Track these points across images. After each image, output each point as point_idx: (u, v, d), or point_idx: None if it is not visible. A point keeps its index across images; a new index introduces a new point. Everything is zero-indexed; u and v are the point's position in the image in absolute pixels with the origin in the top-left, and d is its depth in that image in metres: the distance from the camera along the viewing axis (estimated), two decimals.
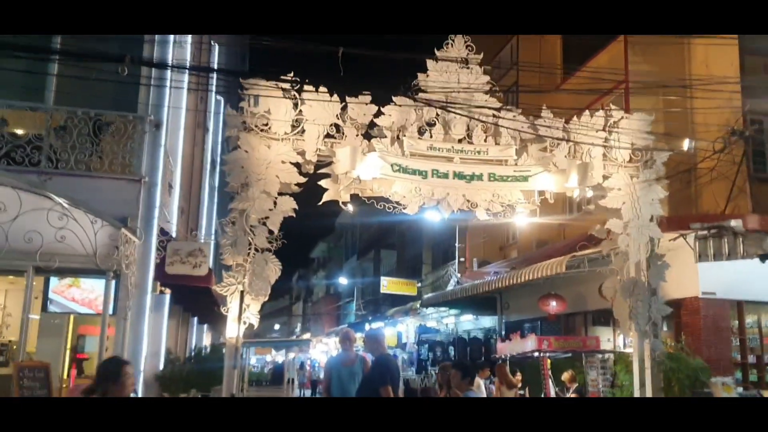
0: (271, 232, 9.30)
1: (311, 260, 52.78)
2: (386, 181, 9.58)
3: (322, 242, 47.03)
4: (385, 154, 9.42)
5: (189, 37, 11.51)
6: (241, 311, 8.79)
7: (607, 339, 14.27)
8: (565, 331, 15.20)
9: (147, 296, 8.61)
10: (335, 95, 9.49)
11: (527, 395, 11.88)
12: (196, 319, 17.44)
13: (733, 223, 9.81)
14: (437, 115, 9.82)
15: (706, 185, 10.70)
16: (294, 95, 9.38)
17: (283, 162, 9.28)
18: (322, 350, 37.92)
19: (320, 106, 9.41)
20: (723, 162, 10.20)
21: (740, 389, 10.25)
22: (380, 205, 9.80)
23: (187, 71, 10.03)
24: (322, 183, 9.81)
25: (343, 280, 36.44)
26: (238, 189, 9.16)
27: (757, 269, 10.51)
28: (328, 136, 9.45)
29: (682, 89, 10.29)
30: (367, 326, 28.22)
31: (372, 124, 9.66)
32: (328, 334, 36.24)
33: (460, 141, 9.84)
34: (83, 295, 8.59)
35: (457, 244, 20.32)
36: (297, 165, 9.52)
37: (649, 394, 9.55)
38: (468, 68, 9.87)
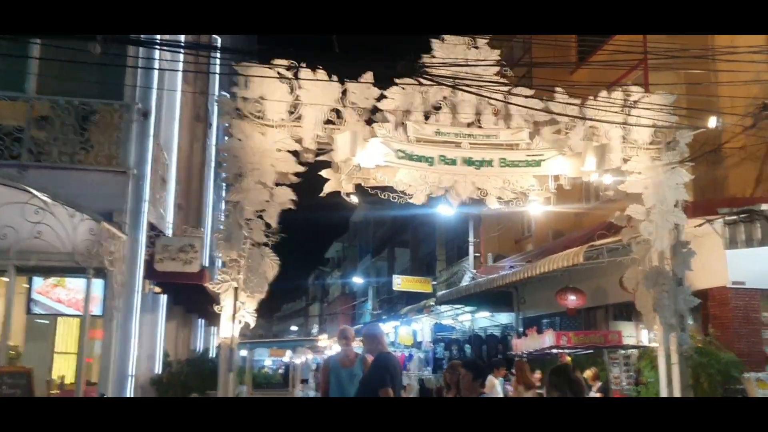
0: (268, 225, 8.76)
1: (326, 260, 52.36)
2: (390, 169, 8.99)
3: (337, 242, 46.55)
4: (388, 139, 8.83)
5: None
6: (236, 309, 8.25)
7: (630, 334, 13.58)
8: (586, 326, 14.49)
9: (135, 295, 8.09)
10: (335, 78, 8.94)
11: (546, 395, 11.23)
12: (203, 321, 16.96)
13: (765, 206, 9.11)
14: (444, 98, 9.21)
15: (733, 167, 9.99)
16: (290, 79, 8.82)
17: (279, 150, 8.71)
18: (337, 350, 37.42)
19: (318, 90, 8.84)
20: (752, 141, 9.49)
21: None
22: (385, 195, 9.22)
23: (181, 52, 9.50)
24: (323, 173, 9.26)
25: (357, 280, 35.90)
26: (231, 180, 8.62)
27: None
28: (327, 122, 8.87)
29: (705, 63, 9.58)
30: (381, 326, 27.71)
31: (375, 109, 9.10)
32: None
33: (468, 125, 9.22)
34: (70, 295, 8.11)
35: (471, 239, 19.67)
36: (295, 154, 8.99)
37: (677, 392, 8.87)
38: (476, 48, 9.26)
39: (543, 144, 9.20)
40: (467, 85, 8.96)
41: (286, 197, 8.75)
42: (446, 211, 20.02)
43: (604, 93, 9.47)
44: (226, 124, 8.83)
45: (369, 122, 8.99)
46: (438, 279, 23.11)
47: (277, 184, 8.76)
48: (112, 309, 7.65)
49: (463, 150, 9.10)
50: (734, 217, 9.14)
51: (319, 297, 56.69)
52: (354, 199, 9.61)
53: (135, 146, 8.50)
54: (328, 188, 9.31)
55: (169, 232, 10.06)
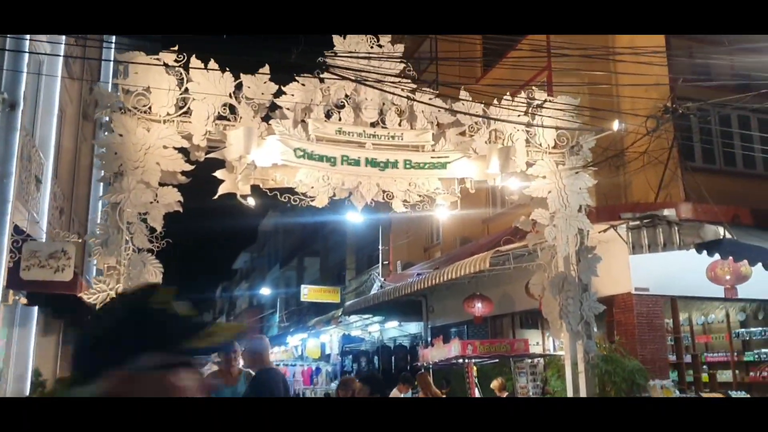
0: (152, 229, 8.01)
1: (234, 272, 50.82)
2: (289, 169, 8.45)
3: (245, 252, 45.25)
4: (286, 137, 8.28)
5: None
6: None
7: (536, 342, 13.50)
8: (492, 334, 14.34)
9: None
10: (228, 72, 8.31)
11: None
12: None
13: (666, 212, 9.13)
14: (346, 95, 8.76)
15: (636, 174, 10.01)
16: (179, 71, 8.13)
17: (165, 147, 8.00)
18: (243, 366, 36.12)
19: (210, 84, 8.20)
20: (653, 148, 9.51)
21: (678, 392, 9.55)
22: (284, 197, 8.64)
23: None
24: (218, 174, 8.61)
25: (265, 291, 34.87)
26: (110, 179, 7.83)
27: (688, 262, 9.87)
28: (219, 117, 8.24)
29: (607, 65, 9.55)
30: (288, 339, 26.88)
31: (273, 106, 8.53)
32: None
33: (372, 125, 8.81)
34: None
35: (380, 247, 19.29)
36: (185, 152, 8.29)
37: None
38: (380, 45, 8.86)
39: (448, 146, 8.90)
40: (370, 81, 8.55)
41: (172, 198, 8.04)
42: (356, 219, 19.59)
43: (508, 96, 9.29)
44: (106, 118, 8.05)
45: (266, 119, 8.43)
46: (347, 288, 22.61)
47: (163, 185, 8.07)
48: None
49: (366, 150, 8.67)
50: (637, 223, 9.10)
51: (225, 310, 54.98)
52: (251, 202, 8.99)
53: None
54: (222, 190, 8.67)
55: (44, 237, 9.09)
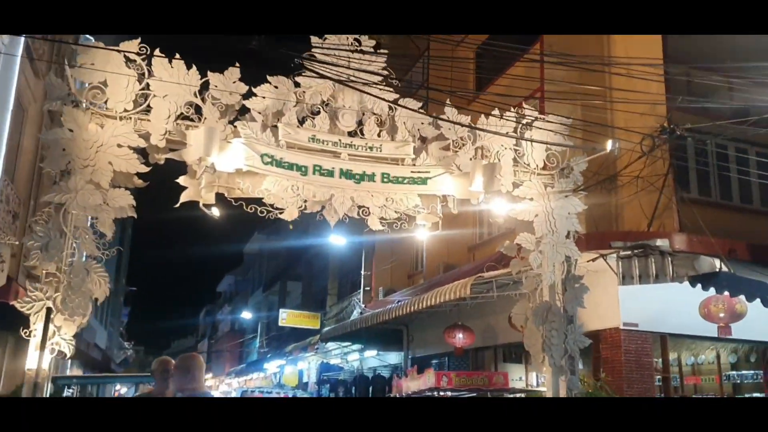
0: (102, 235, 7.34)
1: (218, 294, 49.79)
2: (257, 177, 7.81)
3: (229, 275, 44.32)
4: (253, 141, 7.66)
5: None
6: (46, 335, 6.72)
7: (519, 377, 12.76)
8: (474, 367, 13.59)
9: None
10: (194, 69, 7.71)
11: None
12: None
13: (660, 242, 8.50)
14: (323, 101, 8.16)
15: (628, 201, 9.40)
16: (140, 65, 7.53)
17: (119, 146, 7.36)
18: (223, 391, 35.10)
19: (174, 80, 7.59)
20: (647, 174, 8.93)
21: None
22: (251, 208, 7.96)
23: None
24: (180, 180, 7.98)
25: (246, 315, 33.94)
26: (56, 177, 7.16)
27: (680, 298, 9.24)
28: (182, 117, 7.62)
29: (602, 95, 8.99)
30: (266, 365, 25.96)
31: (243, 109, 7.92)
32: (228, 374, 33.62)
33: (349, 134, 8.20)
34: None
35: (362, 272, 18.56)
36: (143, 154, 7.66)
37: None
38: (361, 51, 8.29)
39: (429, 161, 8.30)
40: (352, 85, 7.96)
41: (124, 202, 7.38)
42: (338, 241, 18.96)
43: (496, 112, 8.71)
44: (58, 112, 7.39)
45: (233, 122, 7.81)
46: (328, 314, 21.82)
47: (117, 187, 7.41)
48: None
49: (341, 161, 8.06)
50: (628, 252, 8.46)
51: (207, 333, 53.81)
52: (215, 212, 8.34)
53: None
54: (184, 197, 8.03)
55: None
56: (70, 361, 17.63)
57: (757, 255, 9.38)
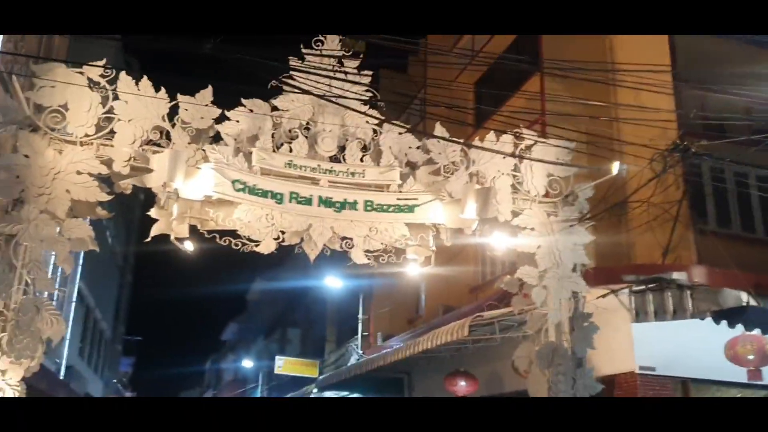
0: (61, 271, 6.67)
1: (222, 343, 48.77)
2: (230, 207, 7.14)
3: (233, 323, 43.40)
4: (223, 166, 7.02)
5: None
6: None
7: None
8: None
9: None
10: (163, 91, 7.14)
11: None
12: None
13: (676, 275, 7.71)
14: (302, 126, 7.54)
15: (640, 232, 8.63)
16: (104, 87, 6.96)
17: (78, 173, 6.74)
18: None
19: (140, 104, 7.02)
20: (660, 201, 8.19)
21: None
22: (224, 241, 7.29)
23: None
24: (151, 213, 7.37)
25: (247, 364, 32.92)
26: (7, 206, 6.52)
27: (702, 338, 8.37)
28: (150, 143, 7.02)
29: (607, 110, 8.34)
30: None
31: (217, 137, 7.32)
32: None
33: (330, 160, 7.56)
34: None
35: (360, 316, 17.72)
36: (107, 181, 7.05)
37: None
38: (344, 72, 7.71)
39: (417, 186, 7.62)
40: (334, 103, 7.34)
41: (82, 233, 6.71)
42: (335, 284, 18.18)
43: (491, 135, 8.05)
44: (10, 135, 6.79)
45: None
46: (326, 362, 20.87)
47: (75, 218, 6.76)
48: None
49: (320, 188, 7.40)
50: (642, 287, 7.66)
51: (213, 383, 52.57)
52: (188, 247, 7.69)
53: None
54: (155, 231, 7.42)
55: None
56: None
57: None
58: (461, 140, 7.98)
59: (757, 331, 7.13)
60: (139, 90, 7.02)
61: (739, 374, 8.27)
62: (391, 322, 16.69)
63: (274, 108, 7.48)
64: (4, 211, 6.51)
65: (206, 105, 7.22)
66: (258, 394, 31.31)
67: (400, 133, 7.79)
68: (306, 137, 7.49)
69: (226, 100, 7.41)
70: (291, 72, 7.41)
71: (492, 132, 8.13)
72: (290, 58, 7.48)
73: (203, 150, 7.02)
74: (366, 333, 17.50)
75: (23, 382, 6.19)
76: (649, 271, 7.85)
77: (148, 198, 7.39)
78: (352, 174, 7.50)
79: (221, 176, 6.93)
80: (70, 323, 17.47)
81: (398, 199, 7.49)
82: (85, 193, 6.73)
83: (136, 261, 29.35)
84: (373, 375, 14.65)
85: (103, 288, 23.10)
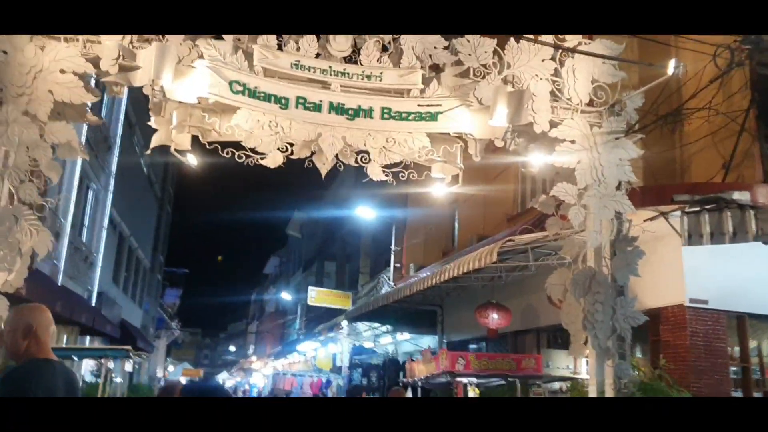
0: (48, 180, 6.08)
1: (265, 276, 49.21)
2: (228, 111, 6.42)
3: (274, 256, 43.54)
4: (219, 65, 6.24)
5: None
6: None
7: (566, 366, 11.06)
8: (514, 353, 11.95)
9: None
10: None
11: None
12: None
13: (737, 195, 6.71)
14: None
15: (697, 148, 7.60)
16: None
17: (62, 72, 6.04)
18: (266, 374, 34.30)
19: None
20: (721, 111, 7.13)
21: None
22: (227, 153, 6.61)
23: None
24: (151, 122, 6.73)
25: (285, 296, 32.96)
26: None
27: (763, 269, 7.45)
28: (140, 40, 6.27)
29: None
30: (299, 347, 24.86)
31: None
32: (269, 356, 32.77)
33: (343, 61, 6.71)
34: None
35: (392, 247, 17.07)
36: (96, 81, 6.39)
37: None
38: None
39: (441, 91, 6.71)
40: None
41: (64, 136, 6.06)
42: (367, 214, 17.54)
43: (529, 39, 7.04)
44: None
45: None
46: (359, 294, 20.43)
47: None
48: None
49: (331, 93, 6.57)
50: (697, 207, 6.71)
51: (256, 315, 53.47)
52: (191, 160, 7.10)
53: None
54: (155, 142, 6.80)
55: None
56: (88, 336, 16.83)
57: None
58: (492, 39, 6.98)
59: None
60: None
61: None
62: (425, 254, 16.05)
63: None
64: None
65: None
66: (296, 326, 31.43)
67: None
68: (315, 34, 6.63)
69: None
70: None
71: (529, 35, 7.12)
72: None
73: (197, 46, 6.25)
74: (399, 265, 16.89)
75: (2, 295, 5.69)
76: (706, 190, 6.88)
77: None
78: (368, 77, 6.64)
79: (217, 76, 6.17)
80: (101, 249, 17.37)
81: (419, 105, 6.62)
82: (70, 93, 6.04)
83: (176, 192, 29.19)
84: (404, 307, 14.11)
85: (140, 217, 22.99)
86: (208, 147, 6.75)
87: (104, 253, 17.56)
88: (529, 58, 6.98)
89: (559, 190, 6.90)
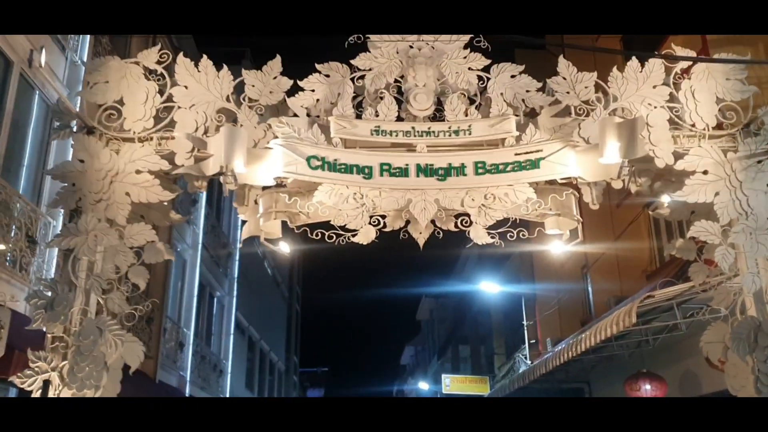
0: (135, 287, 5.83)
1: (403, 368, 48.23)
2: (307, 190, 6.00)
3: (409, 346, 42.63)
4: (295, 141, 5.85)
5: None
6: None
7: None
8: None
9: None
10: (225, 69, 6.18)
11: None
12: None
13: None
14: (388, 85, 6.21)
15: None
16: (162, 75, 6.12)
17: (138, 172, 5.89)
18: None
19: (201, 86, 6.07)
20: None
21: None
22: (316, 234, 6.14)
23: None
24: (239, 214, 6.52)
25: (424, 386, 31.79)
26: (65, 218, 5.83)
27: None
28: (216, 129, 6.05)
29: None
30: None
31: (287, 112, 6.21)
32: None
33: (426, 120, 6.15)
34: None
35: (524, 322, 15.85)
36: (172, 179, 6.19)
37: None
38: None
39: (540, 135, 5.95)
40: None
41: (144, 238, 5.82)
42: (492, 289, 16.56)
43: (633, 62, 6.19)
44: (70, 141, 6.19)
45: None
46: (497, 377, 19.11)
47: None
48: None
49: (417, 155, 6.00)
50: None
51: None
52: (283, 248, 6.74)
53: None
54: (245, 233, 6.58)
55: None
56: None
57: None
58: (592, 73, 6.18)
59: None
60: (199, 71, 6.11)
61: None
62: (561, 326, 14.76)
63: (354, 69, 6.23)
64: (64, 224, 5.83)
65: (275, 77, 6.14)
66: None
67: (513, 76, 6.20)
68: (394, 96, 6.15)
69: (298, 69, 6.33)
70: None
71: (633, 58, 6.29)
72: None
73: (269, 125, 5.92)
74: (534, 341, 15.62)
75: None
76: None
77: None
78: (456, 132, 6.02)
79: (292, 153, 5.78)
80: (230, 356, 17.41)
81: (516, 154, 5.88)
82: (147, 193, 5.85)
83: (303, 290, 29.48)
84: (545, 387, 12.84)
85: (269, 320, 23.16)
86: (296, 231, 6.34)
87: (234, 359, 17.60)
88: (638, 86, 6.10)
89: (699, 230, 5.80)
